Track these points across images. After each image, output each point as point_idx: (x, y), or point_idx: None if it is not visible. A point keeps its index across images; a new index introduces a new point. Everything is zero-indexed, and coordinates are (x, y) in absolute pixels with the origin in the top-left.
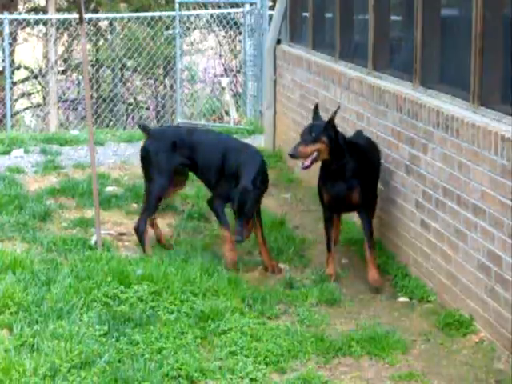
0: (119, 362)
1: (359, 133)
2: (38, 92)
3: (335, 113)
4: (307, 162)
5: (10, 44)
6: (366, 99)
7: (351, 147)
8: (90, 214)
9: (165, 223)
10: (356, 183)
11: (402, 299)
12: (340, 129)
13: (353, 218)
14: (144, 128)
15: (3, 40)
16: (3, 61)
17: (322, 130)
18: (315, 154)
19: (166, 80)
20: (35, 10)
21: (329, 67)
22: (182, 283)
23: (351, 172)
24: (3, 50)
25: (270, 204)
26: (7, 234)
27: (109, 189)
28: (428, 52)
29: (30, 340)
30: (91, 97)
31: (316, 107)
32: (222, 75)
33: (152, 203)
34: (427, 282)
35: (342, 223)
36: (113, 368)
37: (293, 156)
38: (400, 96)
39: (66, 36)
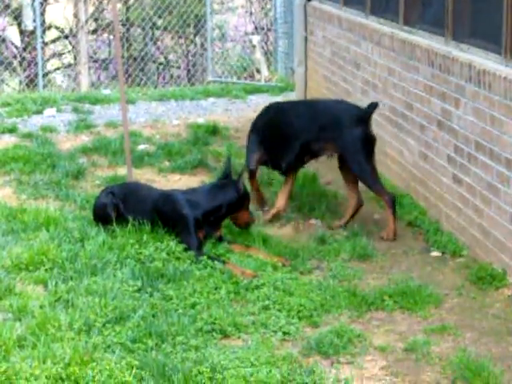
0: (153, 316)
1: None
2: (68, 52)
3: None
4: None
5: (41, 4)
6: (397, 54)
7: None
8: (122, 171)
9: (197, 180)
10: None
11: (434, 254)
12: (371, 86)
13: (384, 175)
14: None
15: (34, 0)
16: (34, 21)
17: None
18: None
19: (197, 39)
20: None
21: (360, 23)
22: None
23: None
24: (34, 10)
25: None
26: (41, 193)
27: (141, 147)
28: (460, 6)
29: (65, 296)
30: (122, 56)
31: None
32: (252, 33)
33: None
34: (459, 237)
35: None
36: (147, 323)
37: None
38: (432, 51)
39: None
